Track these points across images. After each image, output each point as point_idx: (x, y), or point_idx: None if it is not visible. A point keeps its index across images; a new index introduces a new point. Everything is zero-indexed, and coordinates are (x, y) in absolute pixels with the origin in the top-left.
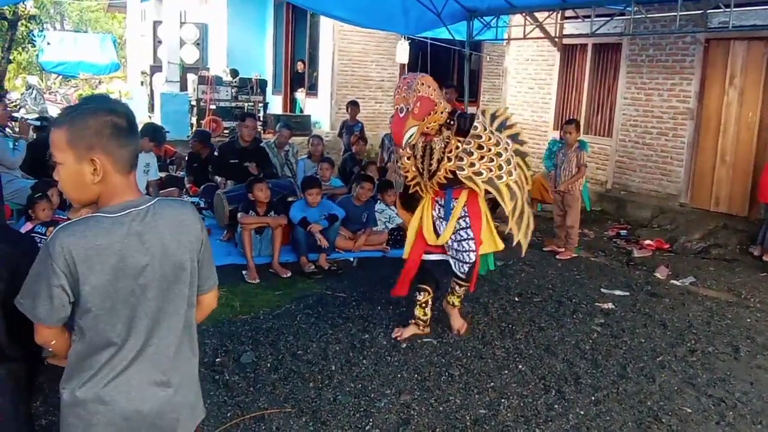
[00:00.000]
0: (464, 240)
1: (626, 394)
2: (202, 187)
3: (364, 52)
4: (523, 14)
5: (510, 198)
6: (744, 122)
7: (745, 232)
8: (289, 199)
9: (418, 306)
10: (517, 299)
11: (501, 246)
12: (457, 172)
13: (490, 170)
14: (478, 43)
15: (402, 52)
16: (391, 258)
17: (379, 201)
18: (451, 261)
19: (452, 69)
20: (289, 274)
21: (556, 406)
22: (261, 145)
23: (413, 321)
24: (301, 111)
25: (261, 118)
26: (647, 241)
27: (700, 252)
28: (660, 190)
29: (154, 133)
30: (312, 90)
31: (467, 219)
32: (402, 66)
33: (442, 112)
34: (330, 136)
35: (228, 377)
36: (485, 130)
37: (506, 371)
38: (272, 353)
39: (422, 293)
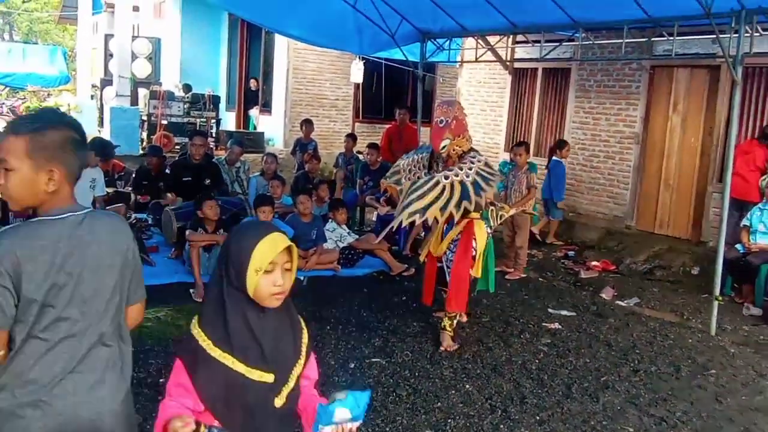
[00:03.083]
0: (449, 260)
1: (570, 413)
2: (150, 203)
3: (318, 71)
4: (476, 37)
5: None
6: (687, 147)
7: (688, 254)
8: (240, 217)
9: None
10: (465, 319)
11: (479, 274)
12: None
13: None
14: (431, 65)
15: (356, 72)
16: (342, 277)
17: (330, 220)
18: (447, 273)
19: (406, 89)
20: None
21: (501, 426)
22: (213, 161)
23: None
24: (255, 128)
25: (214, 135)
26: (594, 262)
27: (645, 273)
28: (607, 212)
29: (102, 148)
30: (266, 107)
31: (455, 242)
32: (356, 85)
33: (467, 140)
34: (284, 153)
35: None
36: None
37: (453, 391)
38: None
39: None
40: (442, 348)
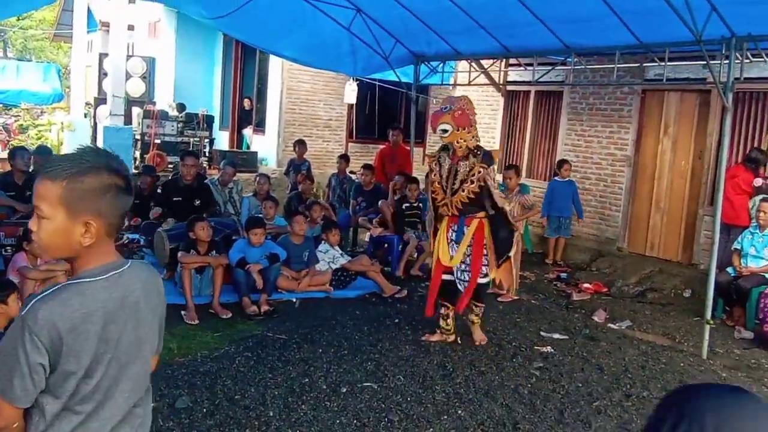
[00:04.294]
0: (468, 265)
1: None
2: (143, 224)
3: (312, 91)
4: (469, 61)
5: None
6: (677, 170)
7: (679, 276)
8: (233, 237)
9: (441, 318)
10: (458, 342)
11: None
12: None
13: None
14: (425, 86)
15: (350, 93)
16: (334, 299)
17: (323, 241)
18: (458, 282)
19: (399, 110)
20: (230, 315)
21: None
22: (205, 182)
23: (439, 330)
24: (248, 147)
25: (207, 154)
26: (586, 285)
27: (637, 296)
28: (599, 234)
29: None
30: (259, 127)
31: (471, 248)
32: (350, 106)
33: (473, 137)
34: (277, 173)
35: (162, 423)
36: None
37: (445, 416)
38: (209, 398)
39: (443, 308)
40: (476, 343)
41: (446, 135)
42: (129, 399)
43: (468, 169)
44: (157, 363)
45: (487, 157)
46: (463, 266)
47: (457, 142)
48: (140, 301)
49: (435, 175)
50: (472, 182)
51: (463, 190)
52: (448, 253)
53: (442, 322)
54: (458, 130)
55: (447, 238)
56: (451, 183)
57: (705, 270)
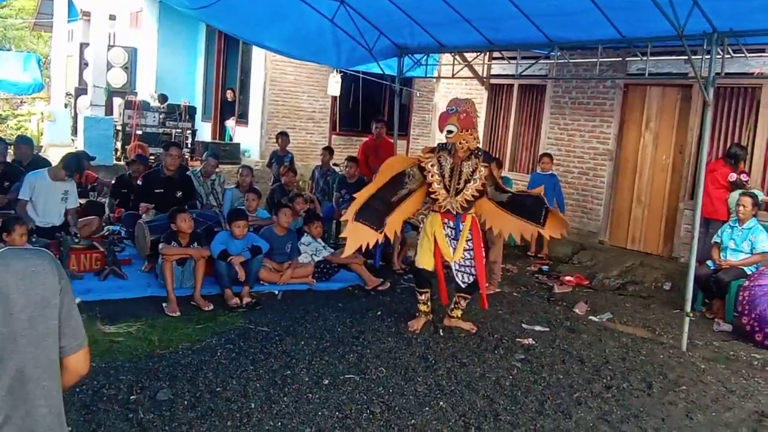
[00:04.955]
0: (469, 259)
1: (544, 431)
2: (124, 215)
3: (295, 83)
4: (453, 54)
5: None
6: (658, 164)
7: (659, 269)
8: (215, 229)
9: (421, 303)
10: (440, 334)
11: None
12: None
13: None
14: (409, 79)
15: (334, 85)
16: (317, 291)
17: (306, 234)
18: (456, 274)
19: (383, 103)
20: (211, 307)
21: None
22: (187, 173)
23: (419, 314)
24: (231, 139)
25: (189, 145)
26: (568, 277)
27: (618, 289)
28: (581, 227)
29: (78, 166)
30: (242, 118)
31: (471, 242)
32: (334, 98)
33: (475, 138)
34: (259, 165)
35: (142, 416)
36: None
37: (427, 408)
38: (190, 390)
39: (423, 294)
40: (468, 330)
41: (451, 135)
42: (5, 400)
43: (471, 169)
44: (85, 360)
45: (488, 157)
46: (461, 260)
47: (460, 143)
48: (11, 293)
49: (433, 175)
50: (476, 181)
51: (468, 189)
52: (449, 248)
53: (422, 306)
54: (462, 132)
55: (444, 234)
56: (455, 183)
57: (685, 263)
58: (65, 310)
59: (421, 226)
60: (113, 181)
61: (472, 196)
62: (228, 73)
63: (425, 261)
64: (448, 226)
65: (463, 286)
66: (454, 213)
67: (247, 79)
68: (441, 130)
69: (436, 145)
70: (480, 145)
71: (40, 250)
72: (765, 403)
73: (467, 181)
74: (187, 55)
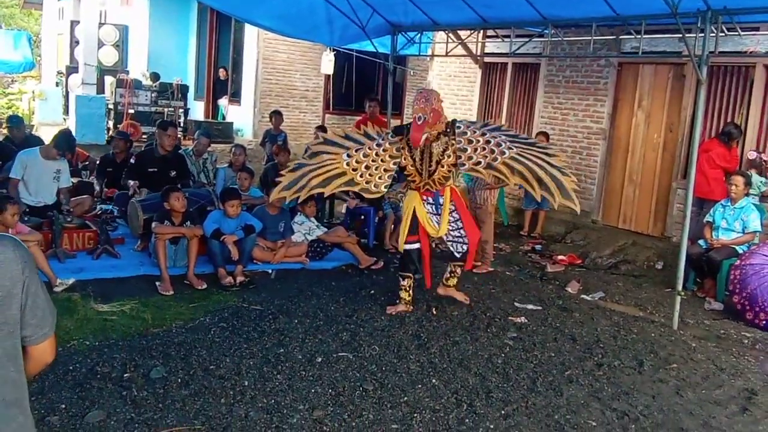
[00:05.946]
0: (458, 229)
1: (535, 407)
2: (116, 194)
3: (288, 62)
4: (446, 31)
5: (511, 173)
6: (650, 143)
7: (651, 248)
8: (208, 208)
9: (403, 290)
10: (433, 312)
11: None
12: (459, 168)
13: (485, 156)
14: (402, 57)
15: (327, 63)
16: (310, 270)
17: (299, 213)
18: (449, 245)
19: (377, 81)
20: (205, 286)
21: (467, 420)
22: (179, 152)
23: (399, 301)
24: (224, 118)
25: (182, 124)
26: (560, 256)
27: (610, 267)
28: (574, 206)
29: (69, 144)
30: (235, 97)
31: (456, 213)
32: (327, 77)
33: (442, 122)
34: (253, 144)
35: (136, 393)
36: (468, 126)
37: (420, 385)
38: (183, 368)
39: (406, 279)
40: (463, 300)
41: (426, 136)
42: None
43: (442, 149)
44: (50, 349)
45: (451, 124)
46: (452, 233)
47: (431, 134)
48: None
49: (406, 159)
50: (449, 156)
51: (443, 166)
52: (433, 225)
53: (404, 294)
54: (432, 128)
55: (425, 212)
56: (426, 165)
57: (677, 242)
58: (30, 301)
59: (401, 204)
60: (97, 161)
61: (448, 171)
62: (220, 51)
63: (408, 238)
64: (428, 203)
65: (458, 255)
66: (433, 190)
67: (240, 57)
68: (418, 142)
69: (404, 124)
70: (449, 119)
71: (3, 236)
72: (754, 381)
73: (438, 162)
74: (179, 34)
